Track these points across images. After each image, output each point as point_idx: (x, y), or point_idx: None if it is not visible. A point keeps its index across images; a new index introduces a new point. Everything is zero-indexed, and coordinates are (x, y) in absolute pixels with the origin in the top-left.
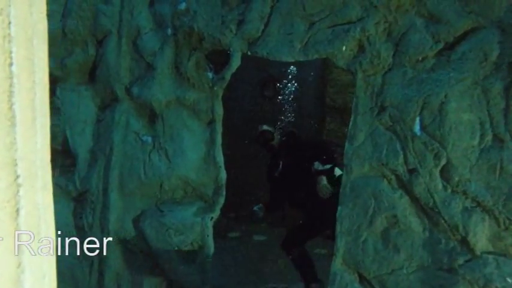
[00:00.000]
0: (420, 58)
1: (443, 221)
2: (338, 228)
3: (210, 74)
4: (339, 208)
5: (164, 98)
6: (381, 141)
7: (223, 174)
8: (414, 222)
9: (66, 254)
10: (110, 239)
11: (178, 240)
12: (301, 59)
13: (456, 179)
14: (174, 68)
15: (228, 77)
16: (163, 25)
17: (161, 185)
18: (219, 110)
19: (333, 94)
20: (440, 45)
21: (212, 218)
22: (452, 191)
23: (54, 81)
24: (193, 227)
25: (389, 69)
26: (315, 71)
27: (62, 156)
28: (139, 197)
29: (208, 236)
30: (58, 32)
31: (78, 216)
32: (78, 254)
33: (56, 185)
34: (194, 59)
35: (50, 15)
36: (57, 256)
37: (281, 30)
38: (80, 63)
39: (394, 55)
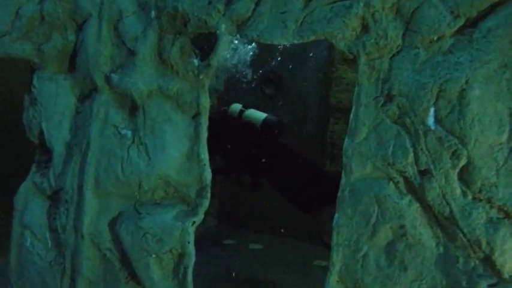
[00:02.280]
0: (435, 38)
1: (461, 235)
2: (334, 239)
3: (196, 61)
4: (336, 215)
5: (145, 88)
6: (386, 136)
7: (208, 174)
8: (426, 235)
9: (38, 257)
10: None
11: (155, 246)
12: (296, 41)
13: (479, 183)
14: (157, 54)
15: (214, 63)
16: (147, 7)
17: (140, 184)
18: (205, 102)
19: (337, 93)
20: (461, 22)
21: (194, 222)
22: (474, 198)
23: (32, 70)
24: (173, 232)
25: (398, 52)
26: (319, 68)
27: (39, 151)
28: (117, 197)
29: (189, 242)
30: (36, 16)
31: (52, 216)
32: (50, 258)
33: (32, 182)
34: (178, 44)
35: None
36: (28, 260)
37: (273, 9)
38: (58, 49)
39: (403, 35)
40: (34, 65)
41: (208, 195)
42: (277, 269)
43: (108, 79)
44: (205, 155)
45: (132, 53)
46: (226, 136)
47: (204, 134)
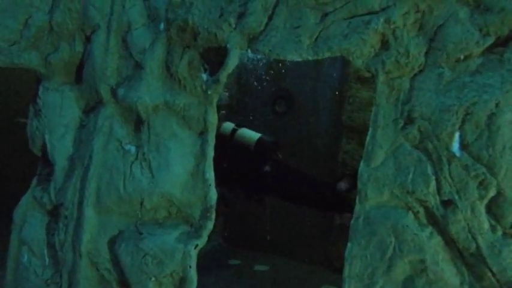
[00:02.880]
0: (462, 57)
1: (490, 274)
2: (346, 270)
3: (204, 76)
4: (349, 245)
5: (151, 102)
6: (406, 162)
7: (214, 194)
8: (448, 272)
9: (34, 274)
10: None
11: (155, 269)
12: (310, 57)
13: (510, 217)
14: (164, 68)
15: (223, 79)
16: (157, 20)
17: (142, 203)
18: (213, 119)
19: (351, 112)
20: (490, 40)
21: (197, 245)
22: (504, 234)
23: (38, 80)
24: (174, 255)
25: (421, 71)
26: (332, 86)
27: (41, 164)
28: (117, 214)
29: (190, 267)
30: (45, 25)
31: (51, 232)
32: (46, 276)
33: (32, 196)
34: (187, 57)
35: (37, 7)
36: (24, 277)
37: (287, 23)
38: (65, 60)
39: (427, 53)
40: (40, 75)
41: (213, 216)
42: None
43: (113, 92)
44: (210, 174)
45: (139, 65)
46: (217, 155)
47: (211, 152)
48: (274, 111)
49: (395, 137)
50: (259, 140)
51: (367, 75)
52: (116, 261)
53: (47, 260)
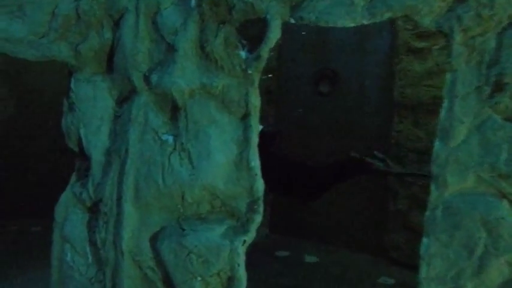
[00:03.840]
0: None
1: None
2: (423, 271)
3: (243, 53)
4: (425, 241)
5: (187, 86)
6: (496, 138)
7: (261, 185)
8: None
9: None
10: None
11: (201, 268)
12: (365, 21)
13: None
14: (199, 48)
15: (265, 55)
16: None
17: (183, 196)
18: (255, 101)
19: (402, 88)
20: None
21: (245, 241)
22: None
23: (70, 72)
24: (220, 253)
25: (511, 24)
26: (379, 60)
27: (79, 159)
28: (158, 210)
29: (239, 265)
30: (72, 14)
31: (92, 229)
32: (90, 274)
33: (72, 193)
34: (222, 34)
35: None
36: (69, 276)
37: None
38: (95, 49)
39: None
40: (71, 67)
41: (261, 209)
42: (336, 285)
43: (146, 79)
44: (256, 163)
45: (171, 48)
46: None
47: (255, 138)
48: (317, 92)
49: (480, 108)
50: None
51: (420, 45)
52: (159, 259)
53: (90, 258)
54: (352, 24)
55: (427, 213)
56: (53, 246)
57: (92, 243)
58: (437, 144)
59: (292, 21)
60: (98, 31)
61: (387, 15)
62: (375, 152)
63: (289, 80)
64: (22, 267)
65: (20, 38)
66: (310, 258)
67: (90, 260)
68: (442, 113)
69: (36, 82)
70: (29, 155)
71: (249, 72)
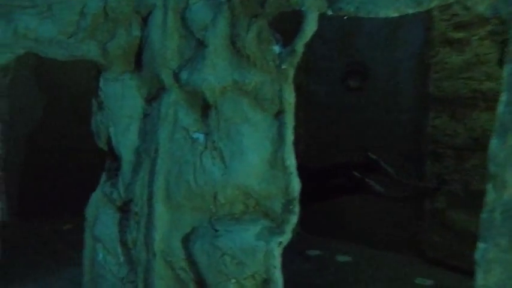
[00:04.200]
0: None
1: None
2: (480, 278)
3: (277, 48)
4: (481, 246)
5: (218, 83)
6: None
7: (296, 184)
8: None
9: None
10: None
11: (235, 270)
12: (411, 10)
13: None
14: (230, 44)
15: (300, 48)
16: None
17: (215, 196)
18: (290, 97)
19: (438, 81)
20: None
21: (281, 243)
22: None
23: (99, 72)
24: (255, 255)
25: None
26: (413, 53)
27: (109, 159)
28: (190, 210)
29: (275, 267)
30: (100, 12)
31: (123, 229)
32: (122, 274)
33: (102, 192)
34: (255, 29)
35: None
36: (101, 275)
37: None
38: (123, 47)
39: None
40: (100, 66)
41: (297, 209)
42: (370, 286)
43: (176, 76)
44: (291, 161)
45: (201, 44)
46: None
47: (290, 136)
48: (347, 87)
49: None
50: None
51: (458, 35)
52: (191, 260)
53: (121, 258)
54: (396, 14)
55: (484, 215)
56: (84, 246)
57: (123, 243)
58: (494, 141)
59: (330, 12)
60: (126, 29)
61: (435, 2)
62: (369, 154)
63: (317, 75)
64: (55, 266)
65: (49, 38)
66: (342, 258)
67: (121, 259)
68: (500, 107)
69: (65, 81)
70: (59, 154)
71: (283, 67)
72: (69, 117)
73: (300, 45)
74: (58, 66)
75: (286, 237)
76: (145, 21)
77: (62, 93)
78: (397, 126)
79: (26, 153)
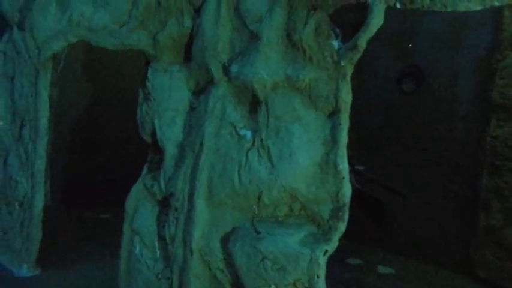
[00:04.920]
0: None
1: None
2: None
3: (336, 43)
4: None
5: (270, 78)
6: None
7: (347, 190)
8: None
9: (146, 266)
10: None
11: (276, 276)
12: (497, 3)
13: None
14: (285, 37)
15: (363, 44)
16: None
17: (260, 197)
18: (346, 96)
19: (503, 88)
20: None
21: (326, 251)
22: None
23: (147, 62)
24: (298, 261)
25: None
26: (476, 56)
27: (151, 151)
28: (231, 209)
29: (318, 277)
30: (152, 2)
31: (162, 224)
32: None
33: (143, 185)
34: (313, 22)
35: None
36: (136, 268)
37: None
38: (174, 37)
39: None
40: (149, 56)
41: (346, 216)
42: None
43: (226, 69)
44: (344, 165)
45: (255, 36)
46: None
47: (344, 138)
48: (400, 90)
49: None
50: None
51: None
52: (229, 261)
53: (158, 252)
54: (479, 7)
55: None
56: (122, 237)
57: (161, 237)
58: None
59: (398, 6)
60: (178, 19)
61: None
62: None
63: (369, 76)
64: (91, 254)
65: (102, 26)
66: (384, 269)
67: (158, 254)
68: None
69: (111, 74)
70: (101, 144)
71: (342, 64)
72: (114, 110)
73: (362, 41)
74: (105, 59)
75: (332, 246)
76: (197, 11)
77: (108, 86)
78: (452, 134)
79: (71, 141)
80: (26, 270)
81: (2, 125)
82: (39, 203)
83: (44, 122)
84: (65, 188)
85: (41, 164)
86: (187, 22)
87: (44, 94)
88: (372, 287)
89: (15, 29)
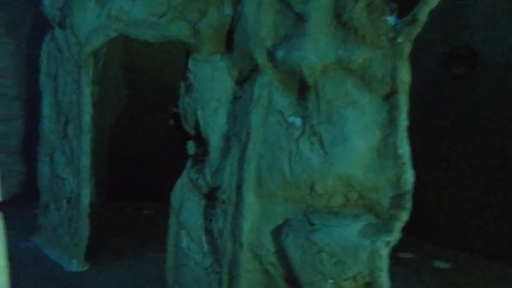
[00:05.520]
0: None
1: None
2: None
3: (391, 19)
4: None
5: (320, 62)
6: None
7: (410, 175)
8: None
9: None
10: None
11: (333, 269)
12: None
13: None
14: (334, 16)
15: (423, 17)
16: None
17: (312, 187)
18: (405, 76)
19: None
20: None
21: (389, 242)
22: None
23: (187, 53)
24: (358, 254)
25: None
26: None
27: (195, 143)
28: (282, 200)
29: (381, 270)
30: None
31: (208, 217)
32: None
33: (188, 178)
34: None
35: None
36: (184, 263)
37: None
38: (214, 26)
39: None
40: (189, 47)
41: (409, 205)
42: None
43: (271, 55)
44: (405, 149)
45: (301, 18)
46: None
47: (404, 121)
48: (450, 74)
49: None
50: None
51: None
52: (282, 254)
53: (206, 247)
54: None
55: None
56: (169, 232)
57: (208, 231)
58: None
59: None
60: (218, 7)
61: None
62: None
63: (414, 59)
64: (136, 250)
65: (141, 19)
66: (440, 264)
67: (205, 249)
68: None
69: (149, 70)
70: (143, 139)
71: (399, 41)
72: (153, 106)
73: (423, 13)
74: (143, 54)
75: (394, 237)
76: None
77: (147, 82)
78: (505, 123)
79: (112, 139)
80: (75, 266)
81: (48, 123)
82: (85, 198)
83: (87, 118)
84: (108, 185)
85: (86, 160)
86: (228, 10)
87: (86, 90)
88: (429, 282)
89: (56, 28)
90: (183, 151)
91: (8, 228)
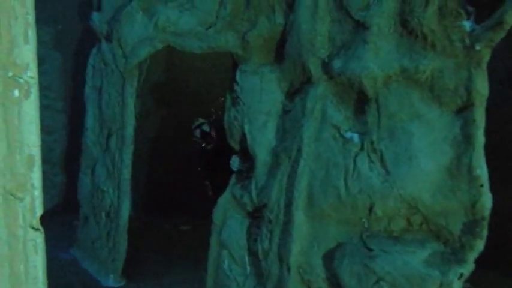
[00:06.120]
0: None
1: None
2: None
3: (468, 24)
4: None
5: (382, 71)
6: None
7: (487, 200)
8: None
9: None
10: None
11: None
12: None
13: None
14: (398, 23)
15: (510, 20)
16: None
17: (371, 208)
18: (482, 87)
19: None
20: None
21: (462, 275)
22: None
23: (235, 65)
24: (426, 285)
25: None
26: None
27: (240, 158)
28: (336, 222)
29: None
30: (241, 1)
31: (252, 237)
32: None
33: (231, 195)
34: (436, 1)
35: None
36: (225, 285)
37: None
38: (264, 36)
39: None
40: (237, 58)
41: (485, 233)
42: None
43: (326, 66)
44: (482, 170)
45: (361, 26)
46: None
47: (481, 138)
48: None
49: None
50: None
51: None
52: (334, 281)
53: (249, 268)
54: None
55: None
56: (209, 251)
57: (252, 252)
58: None
59: None
60: (269, 16)
61: None
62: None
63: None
64: (173, 267)
65: (188, 30)
66: None
67: (248, 270)
68: None
69: (190, 83)
70: (180, 155)
71: (476, 48)
72: (191, 119)
73: (510, 15)
74: (184, 68)
75: (468, 268)
76: (290, 7)
77: (187, 96)
78: None
79: (151, 153)
80: (112, 281)
81: (91, 135)
82: (125, 212)
83: (130, 130)
84: (145, 199)
85: (127, 173)
86: (279, 19)
87: (130, 102)
88: None
89: (103, 41)
90: (203, 165)
91: (48, 239)
